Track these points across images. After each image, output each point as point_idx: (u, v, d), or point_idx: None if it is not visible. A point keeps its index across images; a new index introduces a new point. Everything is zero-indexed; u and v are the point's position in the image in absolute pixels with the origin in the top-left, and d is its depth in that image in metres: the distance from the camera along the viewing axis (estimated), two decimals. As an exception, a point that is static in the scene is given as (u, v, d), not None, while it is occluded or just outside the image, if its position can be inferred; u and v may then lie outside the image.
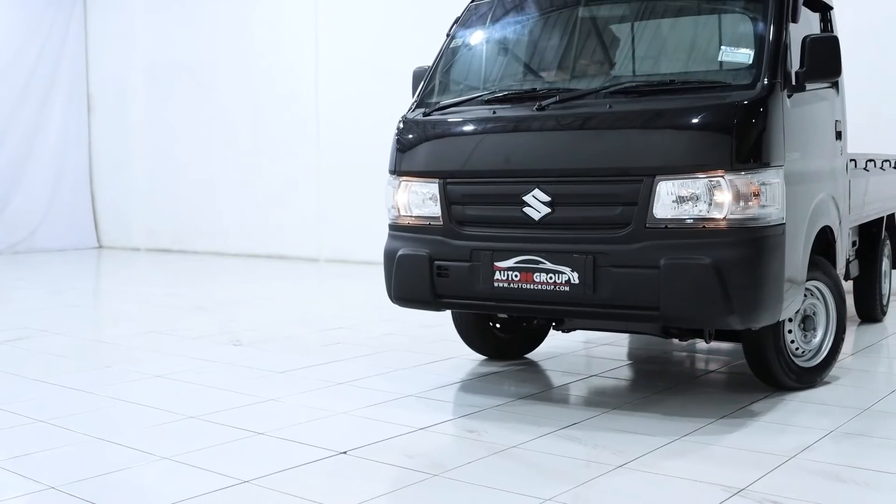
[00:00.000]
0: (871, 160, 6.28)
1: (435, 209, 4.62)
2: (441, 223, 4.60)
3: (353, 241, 11.55)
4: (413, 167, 4.73)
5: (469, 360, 5.60)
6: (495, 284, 4.40)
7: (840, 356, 5.00)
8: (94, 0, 15.15)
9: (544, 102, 4.37)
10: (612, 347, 6.03)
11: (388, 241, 4.86)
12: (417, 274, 4.62)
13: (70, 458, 3.82)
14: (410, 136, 4.78)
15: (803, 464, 3.61)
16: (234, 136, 13.24)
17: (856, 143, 6.68)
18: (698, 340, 5.42)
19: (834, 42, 4.29)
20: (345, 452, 3.81)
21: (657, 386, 4.95)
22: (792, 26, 4.34)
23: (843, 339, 4.93)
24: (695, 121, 4.05)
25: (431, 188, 4.63)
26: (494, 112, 4.55)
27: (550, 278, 4.27)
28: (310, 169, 12.27)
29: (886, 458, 3.71)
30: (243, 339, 6.49)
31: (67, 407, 4.66)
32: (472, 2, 5.23)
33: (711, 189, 3.98)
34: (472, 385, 5.06)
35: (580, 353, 5.90)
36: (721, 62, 4.48)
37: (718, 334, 4.86)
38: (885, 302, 7.01)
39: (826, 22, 5.07)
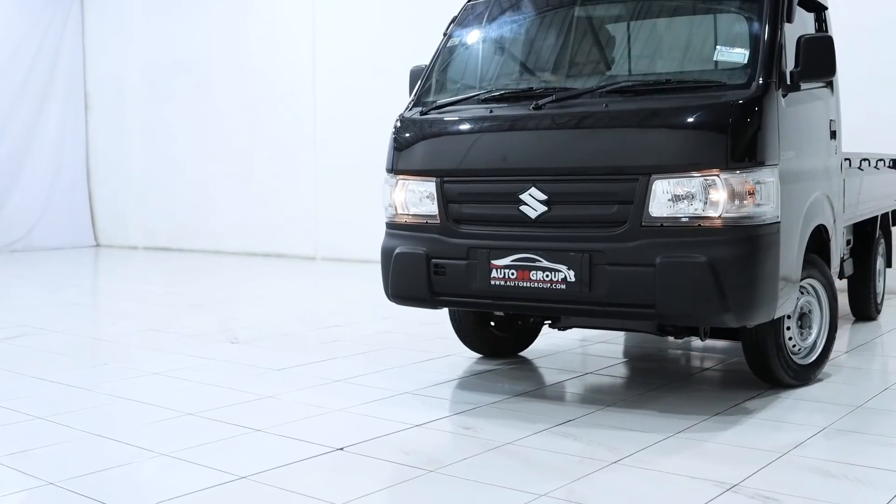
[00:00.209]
0: (865, 159, 6.31)
1: (432, 207, 4.65)
2: (438, 221, 4.63)
3: (350, 240, 11.58)
4: (410, 166, 4.75)
5: (465, 357, 5.62)
6: (492, 282, 4.43)
7: (835, 354, 5.05)
8: (92, -1, 15.20)
9: (541, 101, 4.39)
10: (608, 345, 6.06)
11: (385, 239, 4.88)
12: (414, 272, 4.65)
13: (68, 455, 3.84)
14: (407, 134, 4.80)
15: (796, 460, 3.64)
16: (231, 134, 13.25)
17: (853, 143, 6.71)
18: (694, 338, 5.44)
19: (828, 42, 4.33)
20: (342, 449, 3.84)
21: (652, 383, 4.98)
22: (787, 26, 4.36)
23: (835, 337, 4.97)
24: (690, 120, 4.08)
25: (428, 187, 4.65)
26: (491, 111, 4.58)
27: (547, 276, 4.29)
28: (307, 167, 12.29)
29: (879, 454, 3.74)
30: (241, 337, 6.51)
31: (66, 404, 4.69)
32: (468, 1, 5.25)
33: (707, 188, 4.01)
34: (468, 382, 5.09)
35: (576, 350, 5.93)
36: (716, 62, 4.50)
37: (717, 332, 4.89)
38: (879, 300, 7.04)
39: (821, 22, 5.10)
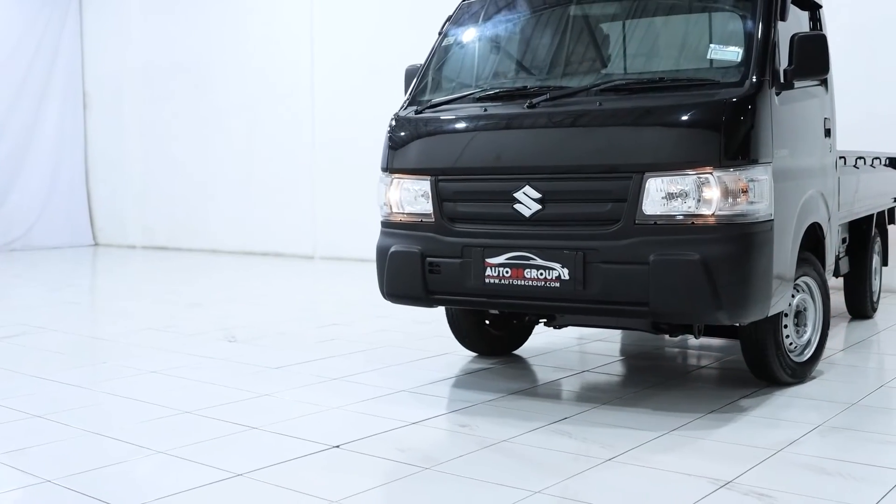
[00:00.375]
0: (861, 157, 6.32)
1: (427, 206, 4.66)
2: (433, 220, 4.64)
3: (348, 238, 11.59)
4: (405, 164, 4.77)
5: (462, 356, 5.64)
6: (486, 281, 4.44)
7: (830, 352, 5.07)
8: (90, -2, 15.21)
9: (535, 100, 4.40)
10: (604, 343, 6.08)
11: (380, 238, 4.89)
12: (409, 270, 4.66)
13: (66, 452, 3.86)
14: (402, 133, 4.81)
15: (790, 457, 3.65)
16: (229, 134, 13.26)
17: (852, 142, 6.74)
18: (689, 336, 5.46)
19: (821, 40, 4.34)
20: (338, 446, 3.85)
21: (648, 381, 5.00)
22: (781, 24, 4.38)
23: (828, 334, 4.99)
24: (684, 118, 4.09)
25: (423, 185, 4.66)
26: (486, 110, 4.59)
27: (541, 274, 4.30)
28: (305, 167, 12.30)
29: (873, 451, 3.76)
30: (238, 336, 6.52)
31: (63, 402, 4.70)
32: (463, 0, 5.27)
33: (700, 185, 4.01)
34: (464, 380, 5.11)
35: (573, 348, 5.95)
36: (710, 60, 4.51)
37: (715, 330, 4.90)
38: (875, 299, 7.05)
39: (815, 20, 5.11)
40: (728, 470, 3.48)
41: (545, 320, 5.06)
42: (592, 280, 4.20)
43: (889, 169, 7.30)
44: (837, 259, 5.84)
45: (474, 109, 4.63)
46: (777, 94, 4.26)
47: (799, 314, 4.82)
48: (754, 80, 4.12)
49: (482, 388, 4.85)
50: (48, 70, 14.85)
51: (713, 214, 4.02)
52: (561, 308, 4.44)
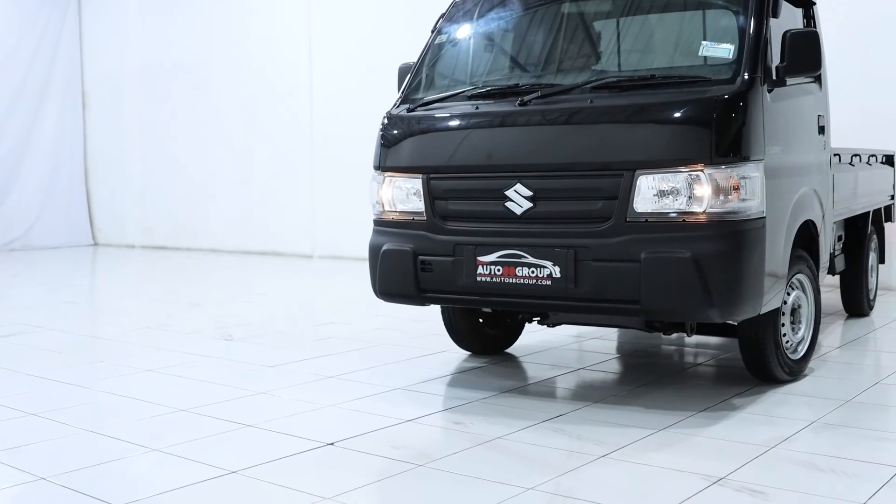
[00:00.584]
0: (856, 155, 6.32)
1: (419, 204, 4.66)
2: (425, 218, 4.64)
3: (347, 238, 11.59)
4: (397, 163, 4.76)
5: (457, 354, 5.65)
6: (478, 279, 4.44)
7: (826, 350, 5.08)
8: (89, -2, 15.23)
9: (526, 98, 4.40)
10: (601, 341, 6.09)
11: (372, 236, 4.89)
12: (401, 269, 4.66)
13: (61, 450, 3.87)
14: (394, 131, 4.82)
15: (783, 454, 3.66)
16: (228, 133, 13.28)
17: (848, 140, 6.73)
18: (685, 334, 5.46)
19: (813, 37, 4.34)
20: (332, 444, 3.86)
21: (644, 379, 5.00)
22: (773, 21, 4.37)
23: (819, 330, 5.01)
24: (675, 115, 4.09)
25: (415, 183, 4.66)
26: (477, 108, 4.58)
27: (532, 272, 4.30)
28: (304, 166, 12.31)
29: (866, 448, 3.76)
30: (236, 335, 6.54)
31: (59, 400, 4.72)
32: None
33: (691, 183, 4.01)
34: (459, 378, 5.12)
35: (569, 346, 5.95)
36: (701, 57, 4.50)
37: (712, 328, 4.90)
38: (871, 296, 7.05)
39: (809, 17, 5.11)
40: (721, 467, 3.49)
41: (538, 319, 5.07)
42: (584, 278, 4.20)
43: (885, 166, 7.31)
44: (833, 257, 5.84)
45: (466, 107, 4.63)
46: (769, 90, 4.26)
47: (794, 311, 4.83)
48: (746, 77, 4.12)
49: (477, 386, 4.86)
50: (47, 70, 14.87)
51: (704, 212, 4.01)
52: (553, 306, 4.44)
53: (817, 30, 5.03)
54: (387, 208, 4.81)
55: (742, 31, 4.25)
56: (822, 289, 5.08)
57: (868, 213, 6.75)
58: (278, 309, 7.94)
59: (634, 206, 4.10)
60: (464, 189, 4.56)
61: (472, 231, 4.49)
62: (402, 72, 5.15)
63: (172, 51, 13.92)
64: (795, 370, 4.81)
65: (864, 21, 8.28)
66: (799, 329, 4.87)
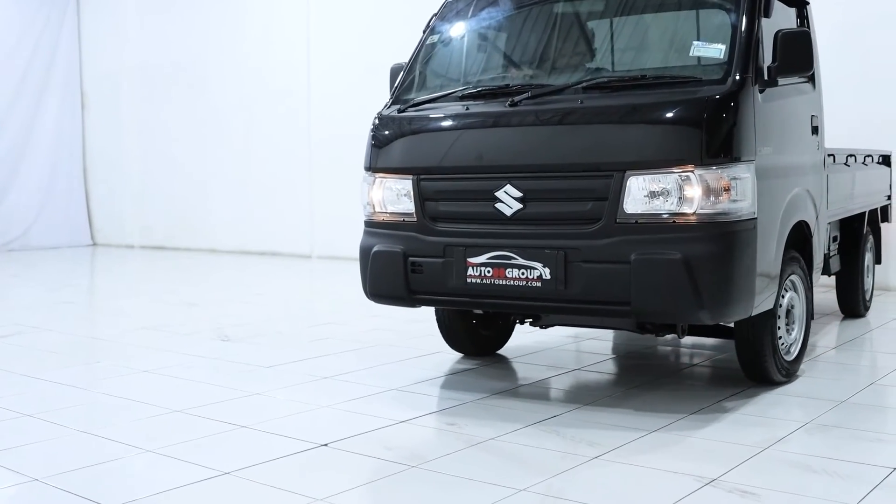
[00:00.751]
0: (851, 155, 6.31)
1: (409, 206, 4.65)
2: (415, 219, 4.62)
3: (345, 238, 11.55)
4: (387, 164, 4.75)
5: (452, 355, 5.65)
6: (468, 280, 4.43)
7: (822, 350, 5.08)
8: (88, -2, 15.23)
9: (516, 98, 4.39)
10: (596, 342, 6.09)
11: (363, 237, 4.88)
12: (392, 270, 4.65)
13: (54, 451, 3.88)
14: (385, 132, 4.81)
15: (776, 455, 3.67)
16: (227, 133, 13.28)
17: (844, 140, 6.73)
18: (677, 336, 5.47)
19: (805, 36, 4.33)
20: (326, 445, 3.87)
21: (637, 380, 5.01)
22: (766, 21, 4.36)
23: (810, 330, 5.02)
24: (665, 116, 4.07)
25: (405, 185, 4.65)
26: (467, 108, 4.57)
27: (522, 274, 4.29)
28: (302, 166, 12.32)
29: (859, 449, 3.77)
30: (232, 335, 6.54)
31: (54, 401, 4.72)
32: None
33: (681, 184, 3.99)
34: (453, 380, 5.12)
35: (564, 347, 5.96)
36: (693, 57, 4.49)
37: (707, 330, 4.89)
38: (867, 297, 7.04)
39: (802, 17, 5.10)
40: (713, 468, 3.49)
41: (530, 320, 5.06)
42: (574, 279, 4.18)
43: (882, 166, 7.31)
44: (828, 257, 5.83)
45: (456, 108, 4.62)
46: (761, 91, 4.24)
47: (788, 313, 4.83)
48: (737, 77, 4.11)
49: (471, 388, 4.87)
50: (46, 70, 14.88)
51: (695, 213, 4.00)
52: (543, 308, 4.42)
53: (810, 30, 5.03)
54: (377, 209, 4.80)
55: (733, 32, 4.24)
56: (817, 289, 5.07)
57: (864, 213, 6.74)
58: (276, 309, 7.95)
59: (624, 207, 4.08)
60: (454, 190, 4.55)
61: (462, 232, 4.48)
62: (394, 72, 5.15)
63: (171, 50, 13.93)
64: (790, 371, 4.82)
65: (861, 21, 8.28)
66: (793, 330, 4.87)
